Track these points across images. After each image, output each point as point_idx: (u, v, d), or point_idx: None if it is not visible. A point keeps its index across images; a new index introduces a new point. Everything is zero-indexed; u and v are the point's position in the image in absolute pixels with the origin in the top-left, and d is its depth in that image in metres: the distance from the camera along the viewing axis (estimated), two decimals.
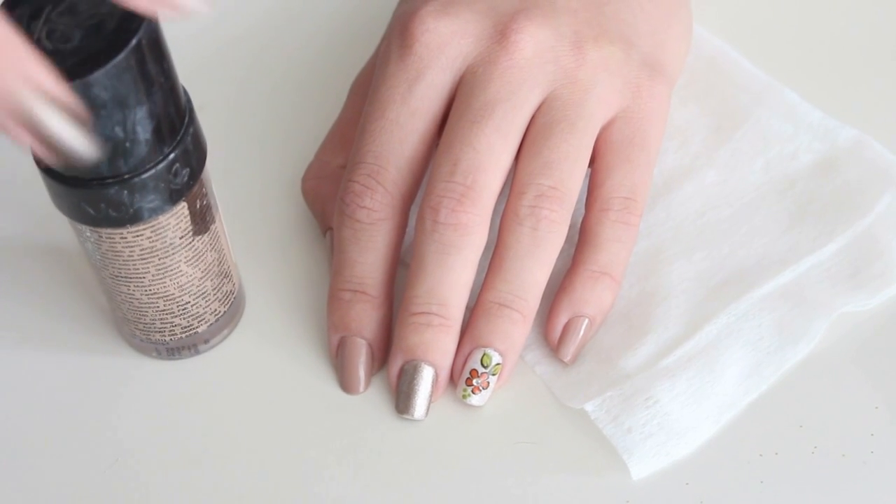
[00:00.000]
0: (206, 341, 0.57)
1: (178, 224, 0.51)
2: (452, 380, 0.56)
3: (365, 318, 0.56)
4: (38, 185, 0.50)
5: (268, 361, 0.57)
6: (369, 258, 0.56)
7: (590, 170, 0.57)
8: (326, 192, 0.59)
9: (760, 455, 0.54)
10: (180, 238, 0.52)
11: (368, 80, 0.61)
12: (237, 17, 0.68)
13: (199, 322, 0.56)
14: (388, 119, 0.55)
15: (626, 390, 0.55)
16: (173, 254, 0.52)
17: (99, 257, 0.52)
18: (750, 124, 0.62)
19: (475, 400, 0.55)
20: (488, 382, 0.55)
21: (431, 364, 0.54)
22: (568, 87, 0.56)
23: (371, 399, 0.56)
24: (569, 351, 0.56)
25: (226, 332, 0.58)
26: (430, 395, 0.55)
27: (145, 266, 0.52)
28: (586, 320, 0.56)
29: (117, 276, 0.53)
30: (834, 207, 0.59)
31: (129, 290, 0.53)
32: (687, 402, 0.55)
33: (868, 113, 0.62)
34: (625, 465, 0.53)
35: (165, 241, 0.51)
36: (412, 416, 0.55)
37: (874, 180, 0.59)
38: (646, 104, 0.57)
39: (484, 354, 0.55)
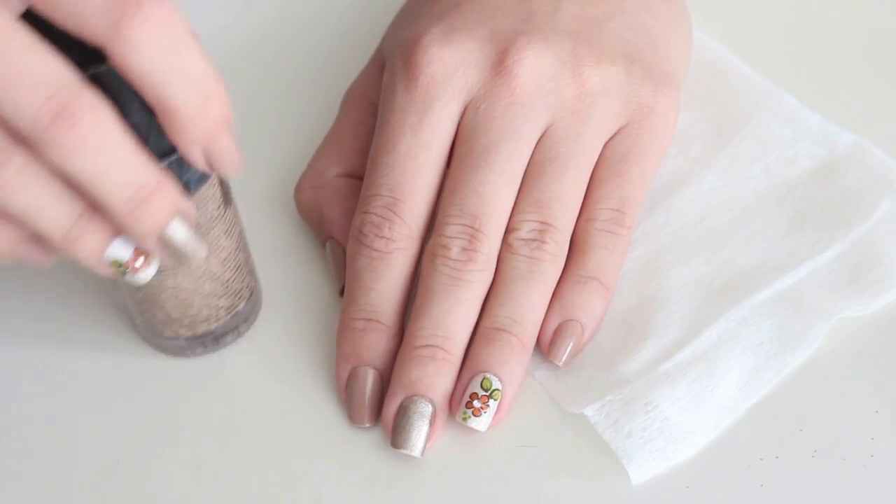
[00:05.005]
0: (246, 320, 0.57)
1: (213, 194, 0.52)
2: (452, 408, 0.55)
3: (378, 347, 0.56)
4: None
5: (267, 367, 0.57)
6: (385, 285, 0.56)
7: None
8: (324, 201, 0.60)
9: (761, 459, 0.54)
10: (217, 208, 0.52)
11: (362, 90, 0.61)
12: (234, 30, 0.68)
13: (239, 298, 0.56)
14: (399, 152, 0.56)
15: (625, 395, 0.55)
16: (214, 227, 0.52)
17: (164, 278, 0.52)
18: (749, 129, 0.62)
19: (475, 423, 0.54)
20: (488, 405, 0.54)
21: (430, 401, 0.54)
22: (566, 120, 0.57)
23: None
24: (559, 353, 0.56)
25: (258, 309, 0.58)
26: (428, 433, 0.54)
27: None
28: (577, 325, 0.56)
29: (163, 271, 0.53)
30: (833, 212, 0.59)
31: (175, 282, 0.53)
32: (686, 407, 0.55)
33: (868, 118, 0.62)
34: (625, 469, 0.53)
35: (207, 214, 0.52)
36: (410, 452, 0.54)
37: (874, 185, 0.59)
38: (646, 120, 0.58)
39: (484, 378, 0.54)
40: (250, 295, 0.57)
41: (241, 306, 0.57)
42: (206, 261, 0.53)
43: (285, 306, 0.59)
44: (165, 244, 0.46)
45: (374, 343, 0.56)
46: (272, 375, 0.57)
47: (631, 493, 0.53)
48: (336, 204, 0.59)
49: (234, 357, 0.58)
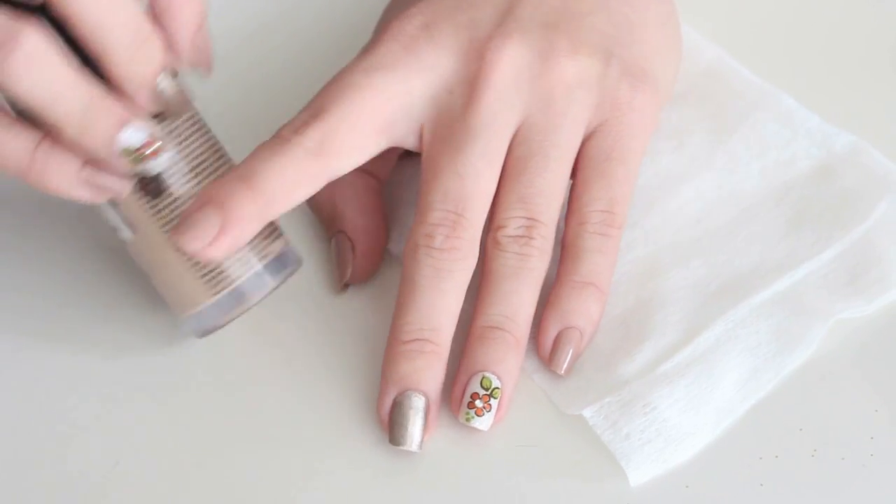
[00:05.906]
0: (297, 260, 0.56)
1: (175, 86, 0.54)
2: (453, 407, 0.55)
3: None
4: None
5: (268, 365, 0.58)
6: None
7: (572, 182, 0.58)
8: (339, 196, 0.60)
9: (760, 458, 0.54)
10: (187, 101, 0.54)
11: None
12: (234, 29, 0.68)
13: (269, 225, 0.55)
14: None
15: (624, 396, 0.55)
16: (197, 118, 0.54)
17: (180, 177, 0.53)
18: (747, 129, 0.62)
19: (478, 423, 0.55)
20: (490, 405, 0.55)
21: (423, 394, 0.54)
22: (543, 111, 0.56)
23: (371, 400, 0.56)
24: (561, 363, 0.56)
25: (300, 257, 0.57)
26: (424, 427, 0.54)
27: (209, 139, 0.54)
28: (576, 332, 0.56)
29: (196, 167, 0.53)
30: (831, 213, 0.59)
31: (193, 184, 0.53)
32: (685, 409, 0.55)
33: (866, 119, 0.62)
34: (623, 470, 0.53)
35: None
36: (408, 447, 0.54)
37: (871, 186, 0.59)
38: (625, 116, 0.57)
39: (483, 377, 0.55)
40: (280, 234, 0.56)
41: (275, 235, 0.55)
42: (207, 151, 0.54)
43: (285, 306, 0.59)
44: (159, 95, 0.51)
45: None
46: (272, 374, 0.57)
47: (630, 493, 0.53)
48: (351, 200, 0.59)
49: (234, 356, 0.58)
